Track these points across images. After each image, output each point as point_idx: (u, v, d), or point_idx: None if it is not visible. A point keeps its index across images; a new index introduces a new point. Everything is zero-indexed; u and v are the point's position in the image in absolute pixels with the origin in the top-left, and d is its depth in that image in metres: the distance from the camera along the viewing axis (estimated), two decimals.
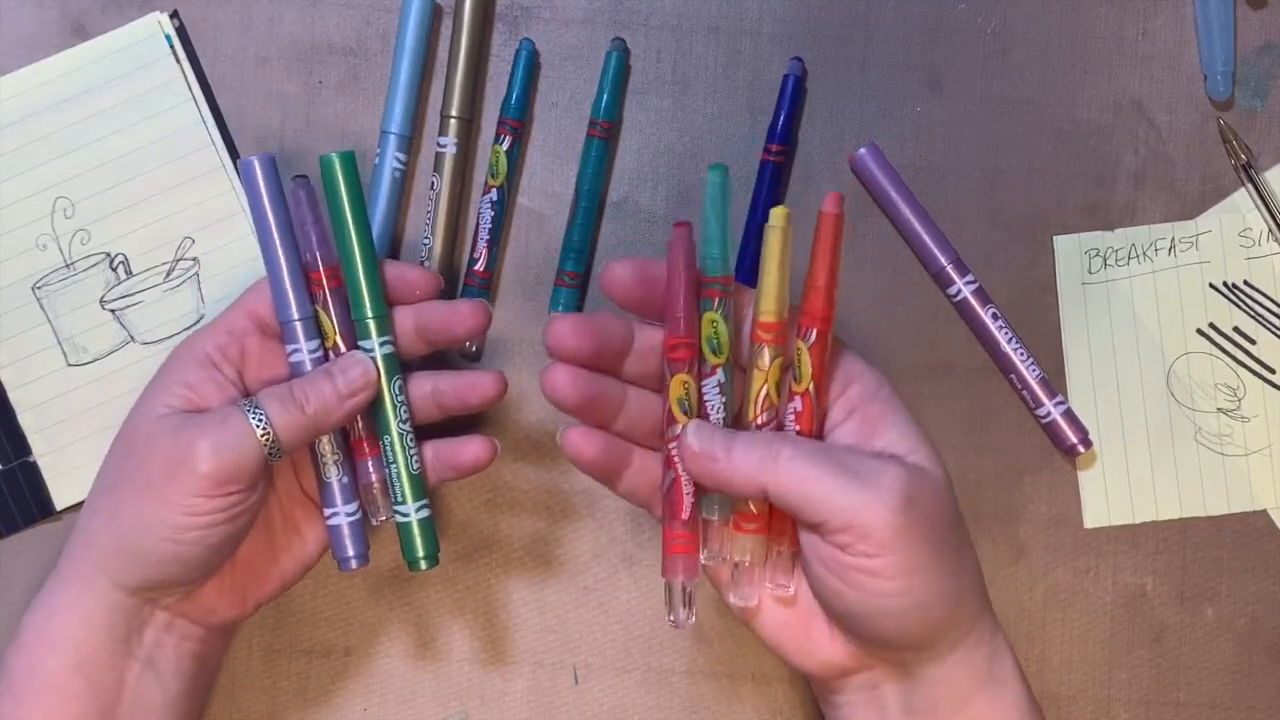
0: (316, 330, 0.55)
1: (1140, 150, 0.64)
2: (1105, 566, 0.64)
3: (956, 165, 0.64)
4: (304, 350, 0.55)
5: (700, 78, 0.64)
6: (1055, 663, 0.63)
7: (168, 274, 0.63)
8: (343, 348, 0.55)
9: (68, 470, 0.63)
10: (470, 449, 0.57)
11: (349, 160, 0.55)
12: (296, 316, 0.54)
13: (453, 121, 0.63)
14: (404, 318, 0.56)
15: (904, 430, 0.52)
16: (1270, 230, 0.64)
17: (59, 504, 0.63)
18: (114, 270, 0.63)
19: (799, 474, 0.49)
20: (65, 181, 0.63)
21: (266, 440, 0.52)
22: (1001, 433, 0.64)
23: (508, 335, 0.64)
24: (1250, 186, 0.64)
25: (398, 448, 0.56)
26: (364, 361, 0.55)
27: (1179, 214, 0.64)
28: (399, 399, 0.55)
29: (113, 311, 0.63)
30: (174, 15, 0.63)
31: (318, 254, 0.55)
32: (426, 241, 0.63)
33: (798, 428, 0.52)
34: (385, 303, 0.56)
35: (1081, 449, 0.63)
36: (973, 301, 0.63)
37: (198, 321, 0.63)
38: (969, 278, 0.63)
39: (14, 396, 0.63)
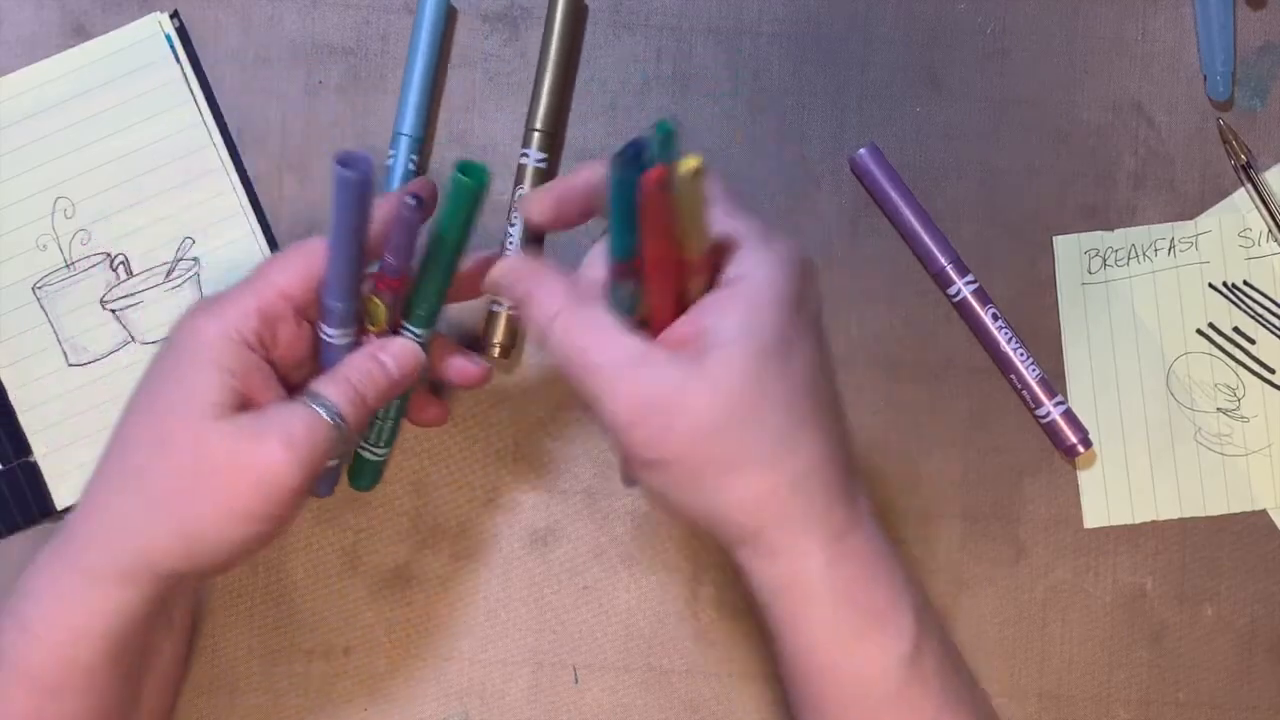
0: (355, 319, 0.54)
1: (1140, 150, 0.64)
2: (1105, 566, 0.64)
3: (956, 165, 0.64)
4: (339, 335, 0.53)
5: (700, 78, 0.64)
6: (1055, 663, 0.63)
7: (168, 274, 0.63)
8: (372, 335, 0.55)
9: (68, 470, 0.63)
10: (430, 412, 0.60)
11: (482, 187, 0.52)
12: (347, 305, 0.53)
13: (536, 135, 0.63)
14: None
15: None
16: (1270, 230, 0.64)
17: (59, 504, 0.63)
18: (114, 270, 0.63)
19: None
20: (65, 182, 0.63)
21: (340, 434, 0.52)
22: (1001, 433, 0.64)
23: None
24: (1250, 187, 0.64)
25: (394, 404, 0.58)
26: (418, 352, 0.54)
27: (1179, 214, 0.64)
28: None
29: (113, 312, 0.63)
30: (174, 15, 0.63)
31: (394, 264, 0.53)
32: (512, 244, 0.63)
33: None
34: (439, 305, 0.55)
35: (1081, 449, 0.63)
36: (973, 301, 0.63)
37: None
38: (969, 278, 0.63)
39: (14, 396, 0.63)
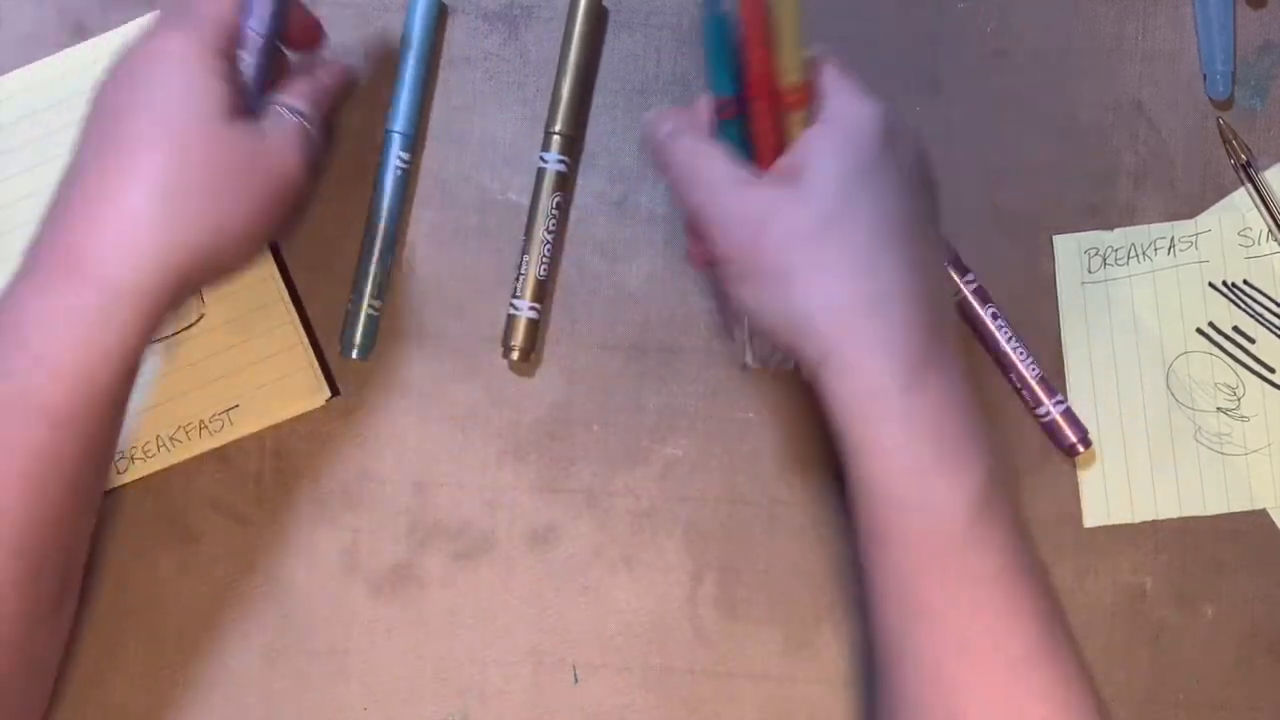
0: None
1: (1140, 150, 0.64)
2: (1105, 566, 0.64)
3: (956, 165, 0.64)
4: (251, 61, 0.56)
5: (700, 78, 0.64)
6: None
7: None
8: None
9: None
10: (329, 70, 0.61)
11: None
12: (263, 33, 0.56)
13: (556, 138, 0.63)
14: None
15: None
16: (1270, 230, 0.64)
17: None
18: None
19: None
20: None
21: (314, 140, 0.57)
22: (1001, 433, 0.64)
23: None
24: (1250, 186, 0.64)
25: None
26: (346, 67, 0.61)
27: (1179, 214, 0.64)
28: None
29: None
30: None
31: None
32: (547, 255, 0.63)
33: None
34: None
35: (1081, 448, 0.63)
36: (973, 301, 0.63)
37: (198, 320, 0.63)
38: (969, 277, 0.63)
39: None
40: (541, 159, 0.63)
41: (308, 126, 0.56)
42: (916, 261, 0.50)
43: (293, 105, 0.56)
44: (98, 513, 0.56)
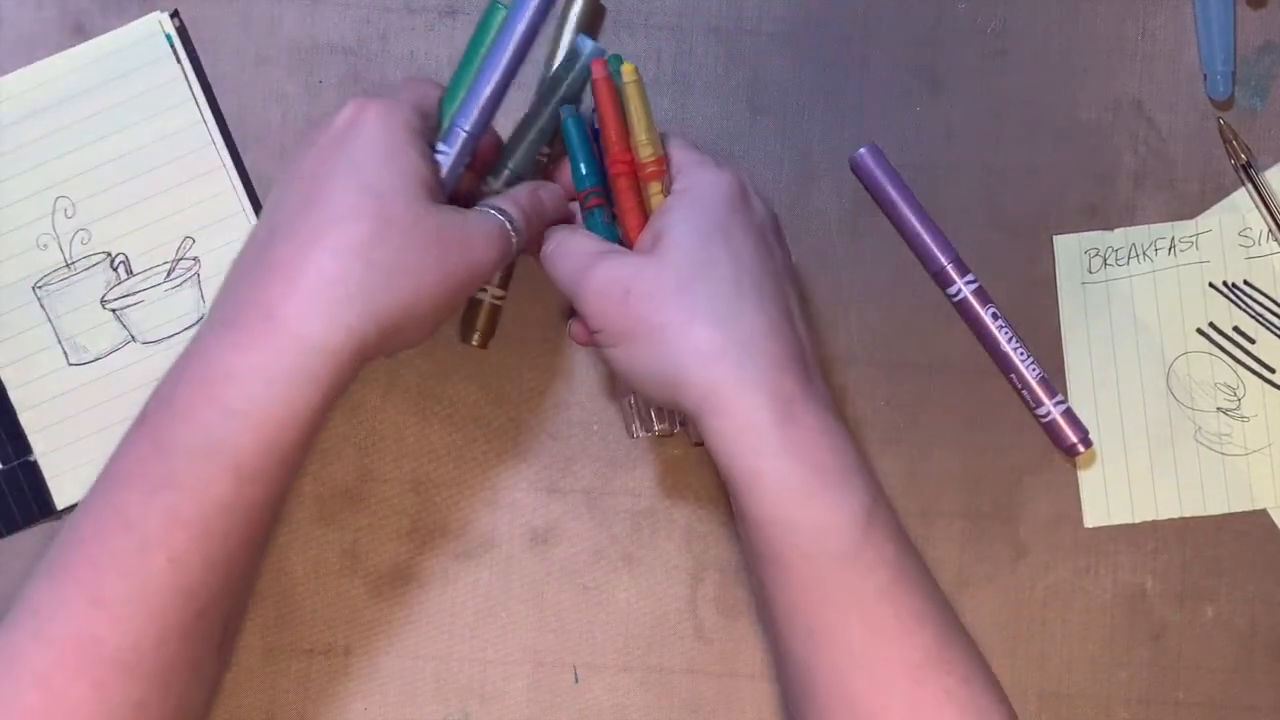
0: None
1: (1140, 150, 0.64)
2: (1105, 566, 0.64)
3: (956, 165, 0.64)
4: (450, 155, 0.57)
5: (700, 78, 0.64)
6: (1055, 662, 0.63)
7: (169, 273, 0.63)
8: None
9: (68, 470, 0.63)
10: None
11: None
12: (468, 130, 0.56)
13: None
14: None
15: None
16: (1270, 230, 0.64)
17: (59, 503, 0.62)
18: (114, 270, 0.63)
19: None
20: (65, 181, 0.63)
21: (515, 248, 0.57)
22: (1001, 433, 0.64)
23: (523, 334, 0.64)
24: (1250, 186, 0.64)
25: None
26: (562, 196, 0.60)
27: (1179, 214, 0.64)
28: None
29: (113, 311, 0.63)
30: (174, 15, 0.63)
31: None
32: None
33: None
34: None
35: (1081, 448, 0.63)
36: (973, 301, 0.63)
37: (198, 321, 0.63)
38: (969, 277, 0.63)
39: (14, 396, 0.63)
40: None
41: (511, 232, 0.56)
42: (777, 307, 0.54)
43: (503, 209, 0.56)
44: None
